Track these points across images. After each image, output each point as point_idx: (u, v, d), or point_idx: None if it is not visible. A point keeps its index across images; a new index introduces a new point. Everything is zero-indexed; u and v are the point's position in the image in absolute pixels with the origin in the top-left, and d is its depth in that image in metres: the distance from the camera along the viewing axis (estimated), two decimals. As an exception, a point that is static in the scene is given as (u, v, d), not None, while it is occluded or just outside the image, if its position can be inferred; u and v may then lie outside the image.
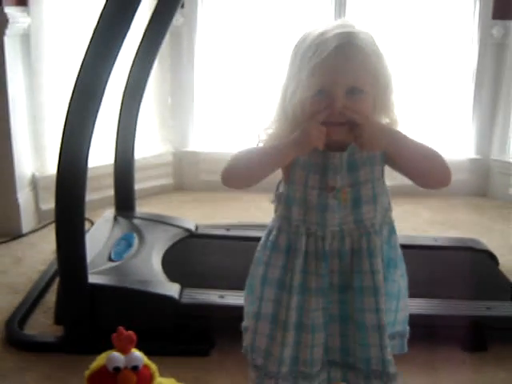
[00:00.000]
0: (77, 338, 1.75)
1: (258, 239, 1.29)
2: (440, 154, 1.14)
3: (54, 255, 2.20)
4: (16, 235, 2.58)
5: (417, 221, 2.88)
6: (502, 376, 1.70)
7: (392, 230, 1.23)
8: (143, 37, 2.26)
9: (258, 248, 1.27)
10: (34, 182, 2.71)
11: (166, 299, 1.78)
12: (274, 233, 1.22)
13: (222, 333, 1.77)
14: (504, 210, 3.09)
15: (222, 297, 1.80)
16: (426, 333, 1.70)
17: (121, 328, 1.33)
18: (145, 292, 1.79)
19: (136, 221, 2.33)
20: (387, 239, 1.22)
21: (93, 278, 1.77)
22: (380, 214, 1.19)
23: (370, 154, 1.15)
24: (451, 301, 1.86)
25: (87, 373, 1.35)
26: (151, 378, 1.36)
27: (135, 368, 1.32)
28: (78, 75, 1.58)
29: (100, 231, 2.23)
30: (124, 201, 2.43)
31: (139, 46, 2.27)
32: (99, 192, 2.74)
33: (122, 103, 2.33)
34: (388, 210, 1.22)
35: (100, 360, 1.34)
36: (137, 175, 2.48)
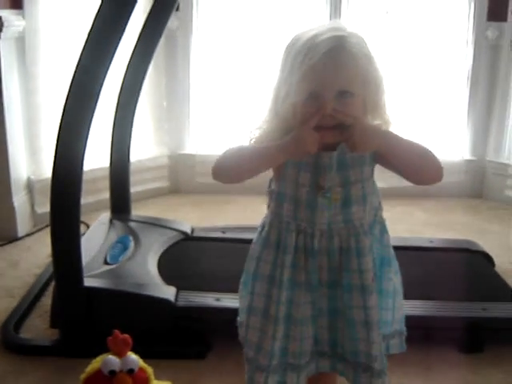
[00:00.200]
0: (72, 342, 1.75)
1: (253, 241, 1.29)
2: (430, 150, 1.15)
3: (49, 259, 2.20)
4: (12, 239, 2.57)
5: (412, 222, 2.88)
6: (499, 377, 1.71)
7: (384, 230, 1.25)
8: (138, 40, 2.26)
9: (252, 245, 1.28)
10: (30, 186, 2.70)
11: (162, 302, 1.77)
12: (265, 229, 1.24)
13: (219, 335, 1.77)
14: (499, 211, 3.09)
15: (218, 299, 1.80)
16: (421, 334, 1.69)
17: (116, 331, 1.33)
18: (141, 295, 1.79)
19: (132, 224, 2.33)
20: (379, 238, 1.23)
21: (88, 282, 1.76)
22: (369, 214, 1.20)
23: (360, 154, 1.15)
24: (447, 302, 1.86)
25: (83, 376, 1.35)
26: (147, 381, 1.36)
27: (131, 371, 1.32)
28: (73, 78, 1.58)
29: (96, 234, 2.23)
30: (120, 204, 2.42)
31: (134, 49, 2.27)
32: (95, 195, 2.73)
33: (117, 106, 2.33)
34: (378, 209, 1.24)
35: (95, 363, 1.34)
36: (132, 178, 2.47)
